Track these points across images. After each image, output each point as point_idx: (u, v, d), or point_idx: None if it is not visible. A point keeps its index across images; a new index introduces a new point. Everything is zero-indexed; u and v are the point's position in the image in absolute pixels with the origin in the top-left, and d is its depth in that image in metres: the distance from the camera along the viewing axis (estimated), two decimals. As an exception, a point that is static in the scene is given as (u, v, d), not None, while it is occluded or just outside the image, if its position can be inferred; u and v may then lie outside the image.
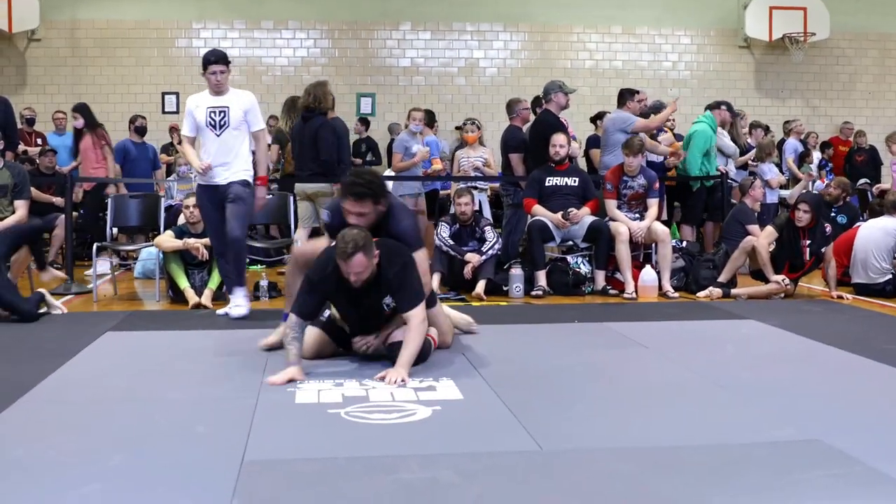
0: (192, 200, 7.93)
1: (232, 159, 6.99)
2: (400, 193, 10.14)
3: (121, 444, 3.66)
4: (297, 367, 4.83)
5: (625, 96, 9.84)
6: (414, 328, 4.94)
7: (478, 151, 10.47)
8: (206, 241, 7.82)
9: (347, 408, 4.23)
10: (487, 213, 9.80)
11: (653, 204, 8.76)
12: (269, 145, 9.95)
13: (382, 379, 4.71)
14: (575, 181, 8.82)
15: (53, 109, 13.70)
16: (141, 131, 12.02)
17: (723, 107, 10.56)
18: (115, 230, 9.82)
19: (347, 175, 5.26)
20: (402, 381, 4.68)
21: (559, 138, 8.81)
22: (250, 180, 7.04)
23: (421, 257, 5.29)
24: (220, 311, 7.13)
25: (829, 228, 8.31)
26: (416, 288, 5.03)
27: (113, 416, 4.12)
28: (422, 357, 5.16)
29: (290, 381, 4.72)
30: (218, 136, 6.99)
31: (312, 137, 8.97)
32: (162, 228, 8.87)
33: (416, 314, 4.96)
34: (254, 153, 7.14)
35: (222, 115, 6.98)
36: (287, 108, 10.16)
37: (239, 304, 7.00)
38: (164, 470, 3.34)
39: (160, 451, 3.58)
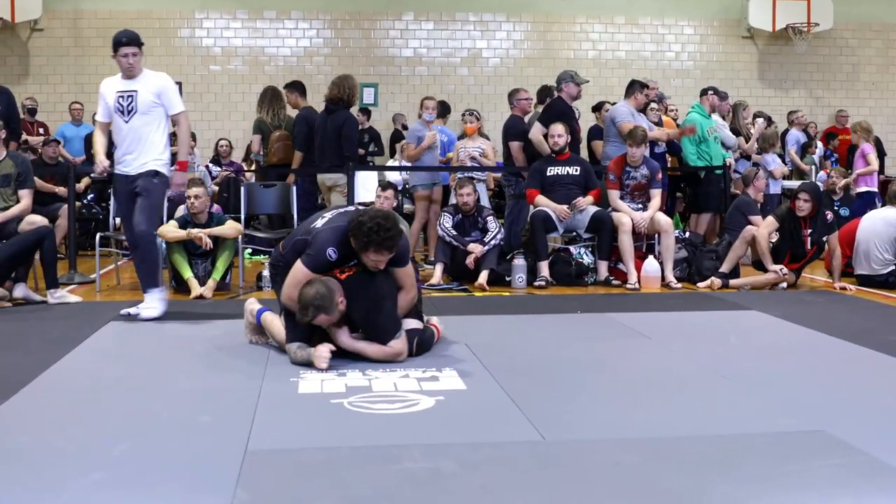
0: (194, 191, 7.94)
1: (140, 148, 6.51)
2: (413, 184, 10.15)
3: (124, 433, 3.66)
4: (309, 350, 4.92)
5: (633, 87, 9.79)
6: (385, 351, 4.99)
7: (476, 142, 10.46)
8: (211, 230, 7.83)
9: (350, 398, 4.23)
10: (486, 203, 9.79)
11: (656, 194, 8.74)
12: (253, 135, 9.96)
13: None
14: (577, 170, 8.81)
15: (56, 100, 13.71)
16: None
17: (710, 93, 10.54)
18: (118, 220, 9.82)
19: (371, 222, 4.83)
20: (329, 352, 4.82)
21: (557, 128, 8.81)
22: (162, 170, 6.53)
23: (409, 271, 5.26)
24: (124, 311, 6.51)
25: (830, 216, 8.30)
26: (385, 323, 5.02)
27: (116, 406, 4.13)
28: (425, 347, 5.18)
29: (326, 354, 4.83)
30: (126, 122, 6.52)
31: (336, 131, 8.99)
32: (165, 218, 8.85)
33: (390, 346, 5.00)
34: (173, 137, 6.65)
35: (130, 99, 6.52)
36: (268, 98, 10.15)
37: (151, 304, 6.47)
38: (167, 460, 3.34)
39: (163, 440, 3.58)
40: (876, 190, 11.60)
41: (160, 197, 6.60)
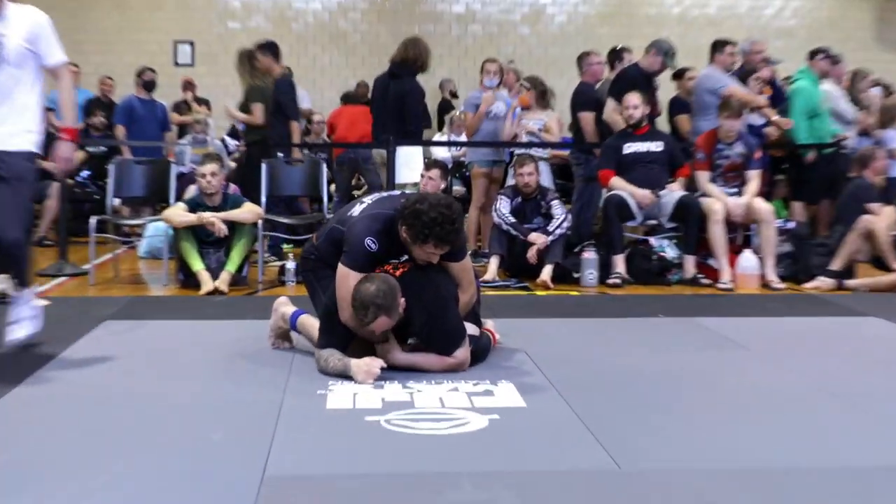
0: (208, 167, 7.97)
1: (6, 112, 5.37)
2: (470, 160, 10.11)
3: (122, 451, 3.66)
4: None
5: (715, 48, 9.73)
6: (448, 363, 4.99)
7: (535, 115, 10.37)
8: (225, 214, 7.86)
9: (388, 415, 4.22)
10: (550, 185, 9.72)
11: (753, 176, 8.67)
12: (251, 104, 9.89)
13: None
14: (659, 146, 8.75)
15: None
16: (149, 86, 12.12)
17: (820, 55, 10.37)
18: (117, 201, 9.89)
19: (433, 211, 4.79)
20: (378, 369, 4.79)
21: (631, 98, 8.75)
22: (34, 149, 5.45)
23: (468, 265, 5.26)
24: None
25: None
26: (452, 327, 5.02)
27: (113, 420, 4.13)
28: (479, 356, 5.17)
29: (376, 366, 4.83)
30: None
31: (399, 99, 9.00)
32: (172, 200, 8.91)
33: (457, 357, 5.00)
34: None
35: None
36: (245, 60, 10.12)
37: (20, 319, 5.56)
38: (171, 483, 3.34)
39: (168, 461, 3.58)
40: None
41: (32, 189, 5.57)
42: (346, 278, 4.91)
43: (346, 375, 4.84)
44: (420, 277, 4.96)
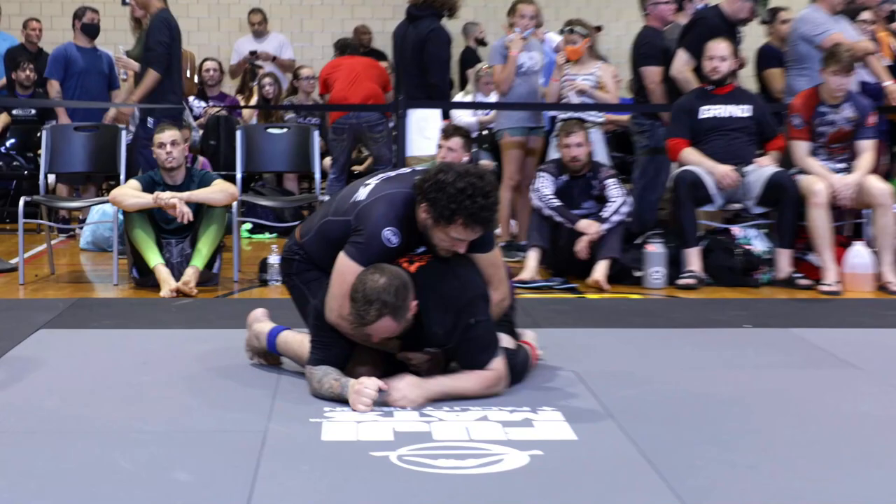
0: (167, 135, 7.97)
1: None
2: (500, 128, 10.09)
3: (65, 495, 3.69)
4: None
5: None
6: (483, 377, 5.00)
7: (587, 68, 10.28)
8: (191, 194, 7.86)
9: (400, 449, 4.24)
10: (604, 159, 9.71)
11: (866, 148, 8.66)
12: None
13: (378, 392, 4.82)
14: (745, 110, 8.75)
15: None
16: (91, 31, 12.08)
17: None
18: (51, 178, 9.92)
19: (461, 181, 4.76)
20: (409, 403, 4.79)
21: (717, 47, 8.72)
22: None
23: (498, 259, 5.29)
24: None
25: None
26: (484, 332, 5.00)
27: (52, 455, 4.16)
28: (517, 376, 5.18)
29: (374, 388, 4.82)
30: None
31: (419, 45, 9.03)
32: (123, 177, 8.95)
33: (493, 371, 5.01)
34: None
35: None
36: None
37: None
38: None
39: (122, 505, 3.60)
40: None
41: None
42: (348, 273, 4.88)
43: (344, 399, 4.86)
44: (442, 272, 4.95)
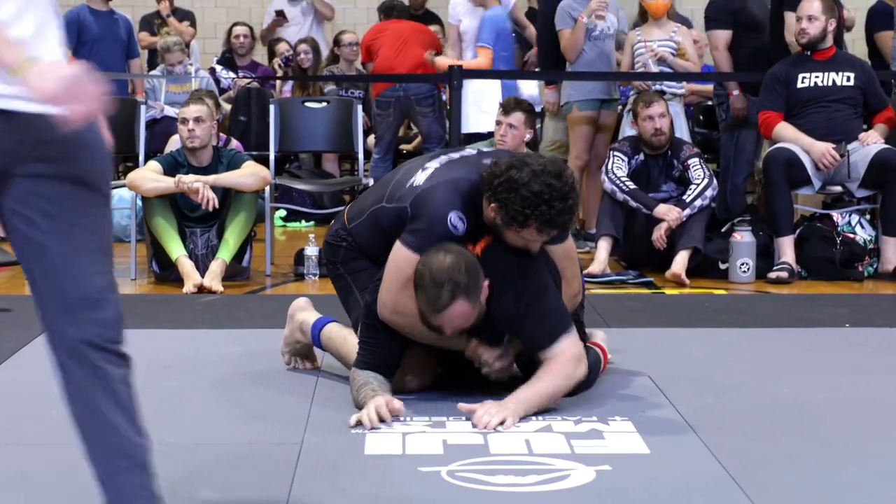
0: (192, 110, 7.95)
1: None
2: (568, 100, 10.04)
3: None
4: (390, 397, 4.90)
5: None
6: (555, 366, 4.93)
7: (665, 30, 10.19)
8: (217, 178, 7.89)
9: (452, 464, 4.27)
10: (685, 135, 9.67)
11: None
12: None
13: (471, 416, 4.77)
14: (848, 79, 8.69)
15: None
16: (105, -8, 12.13)
17: None
18: None
19: (536, 181, 4.72)
20: (501, 423, 4.71)
21: (808, 6, 8.61)
22: None
23: (572, 251, 5.32)
24: None
25: None
26: (557, 313, 5.00)
27: (64, 470, 4.19)
28: (585, 381, 5.17)
29: (388, 417, 4.78)
30: None
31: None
32: (142, 158, 9.00)
33: (567, 346, 4.95)
34: None
35: None
36: None
37: None
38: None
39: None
40: None
41: None
42: (405, 264, 4.87)
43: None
44: (508, 256, 4.95)
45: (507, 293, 4.90)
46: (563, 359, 4.92)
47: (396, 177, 5.32)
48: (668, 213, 8.41)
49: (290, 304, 5.71)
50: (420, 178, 5.09)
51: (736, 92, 9.34)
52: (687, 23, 10.98)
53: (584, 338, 5.38)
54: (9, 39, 2.74)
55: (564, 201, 4.71)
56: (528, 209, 4.68)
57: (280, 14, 13.87)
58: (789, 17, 9.13)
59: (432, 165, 5.18)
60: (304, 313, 5.61)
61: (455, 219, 4.88)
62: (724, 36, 9.50)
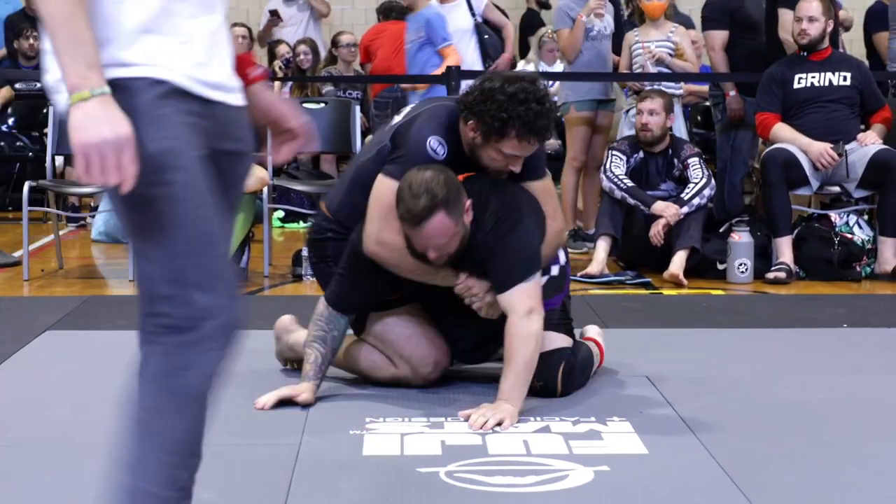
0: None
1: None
2: (566, 101, 10.04)
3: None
4: (311, 384, 4.97)
5: None
6: (516, 332, 4.82)
7: (662, 31, 10.19)
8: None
9: (451, 465, 4.27)
10: (683, 134, 9.67)
11: None
12: None
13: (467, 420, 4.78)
14: (845, 79, 8.70)
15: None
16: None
17: None
18: (59, 161, 9.97)
19: (511, 86, 4.75)
20: (498, 424, 4.70)
21: (806, 6, 8.63)
22: None
23: (551, 188, 5.30)
24: None
25: None
26: (523, 254, 4.92)
27: (62, 471, 4.22)
28: (577, 379, 5.20)
29: (287, 401, 4.90)
30: None
31: None
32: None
33: (519, 300, 4.83)
34: None
35: None
36: None
37: None
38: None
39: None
40: None
41: None
42: (387, 192, 4.86)
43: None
44: (489, 185, 4.95)
45: (488, 218, 4.88)
46: (515, 319, 4.81)
47: (368, 142, 5.47)
48: (666, 210, 8.41)
49: (275, 324, 5.69)
50: (396, 119, 5.17)
51: (732, 93, 9.33)
52: (688, 22, 11.00)
53: (572, 334, 5.34)
54: (90, 51, 2.57)
55: (541, 104, 4.75)
56: (504, 112, 4.70)
57: (274, 14, 13.82)
58: (783, 13, 9.13)
59: (405, 110, 5.26)
60: (292, 335, 5.59)
61: (435, 143, 4.91)
62: (720, 36, 9.50)
